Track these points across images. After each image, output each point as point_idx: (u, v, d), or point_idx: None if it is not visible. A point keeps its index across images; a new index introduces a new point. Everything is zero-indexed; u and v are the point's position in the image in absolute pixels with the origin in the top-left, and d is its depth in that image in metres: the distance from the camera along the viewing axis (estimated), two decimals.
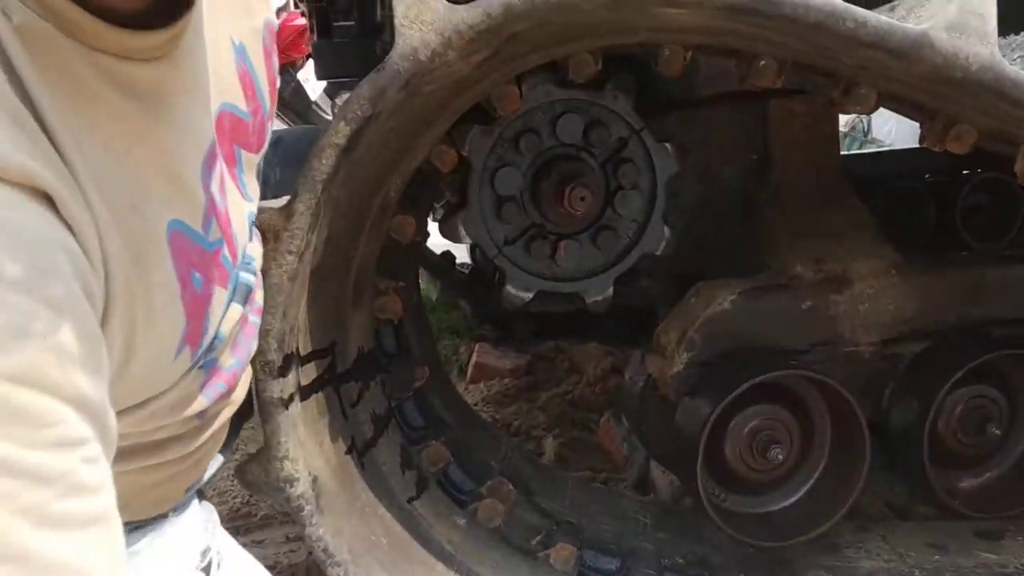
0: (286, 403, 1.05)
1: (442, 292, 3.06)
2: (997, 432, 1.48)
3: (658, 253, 1.40)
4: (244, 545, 1.09)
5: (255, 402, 1.02)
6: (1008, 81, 0.97)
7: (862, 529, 1.52)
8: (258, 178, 0.93)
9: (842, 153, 1.77)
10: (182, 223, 0.68)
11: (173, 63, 0.66)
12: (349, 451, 1.23)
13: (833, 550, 1.46)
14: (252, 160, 0.86)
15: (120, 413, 0.60)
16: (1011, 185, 2.01)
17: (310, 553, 1.57)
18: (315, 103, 3.88)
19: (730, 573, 1.40)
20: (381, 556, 1.18)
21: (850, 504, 1.39)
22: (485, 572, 1.28)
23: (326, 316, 1.19)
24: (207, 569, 0.94)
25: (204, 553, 0.95)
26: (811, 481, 1.44)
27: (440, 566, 1.25)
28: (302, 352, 1.11)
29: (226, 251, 0.76)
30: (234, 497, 1.94)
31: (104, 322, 0.58)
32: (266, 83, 0.87)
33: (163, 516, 0.89)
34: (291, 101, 3.68)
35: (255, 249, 0.93)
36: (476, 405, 2.29)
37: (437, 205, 1.50)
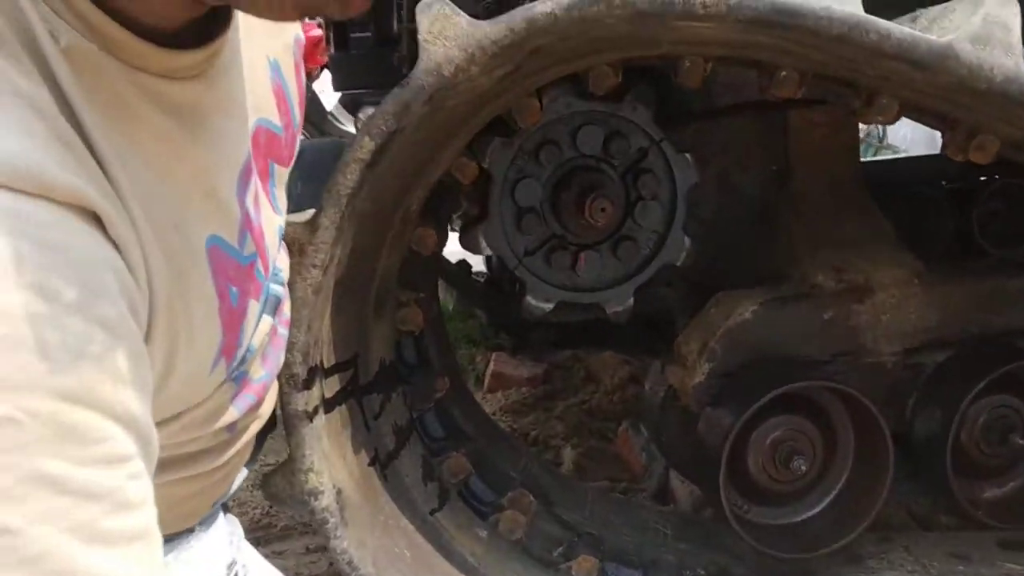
0: (311, 416, 1.06)
1: (458, 301, 3.06)
2: (1020, 442, 1.47)
3: (678, 263, 1.40)
4: (265, 556, 1.10)
5: (280, 415, 1.03)
6: None
7: (884, 540, 1.51)
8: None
9: None
10: (219, 238, 0.68)
11: (210, 81, 0.67)
12: (372, 463, 1.23)
13: (856, 561, 1.45)
14: (283, 174, 0.87)
15: (155, 426, 0.60)
16: None
17: (331, 564, 1.58)
18: (330, 113, 3.90)
19: None
20: (404, 568, 1.19)
21: (874, 515, 1.38)
22: None
23: (349, 328, 1.19)
24: None
25: (230, 566, 0.95)
26: (834, 492, 1.43)
27: None
28: (326, 364, 1.12)
29: (259, 264, 0.77)
30: (254, 508, 1.95)
31: (147, 339, 0.58)
32: (296, 97, 0.88)
33: (190, 530, 0.90)
34: (307, 111, 3.69)
35: (283, 261, 0.94)
36: (494, 415, 2.29)
37: (455, 216, 1.50)
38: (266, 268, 0.80)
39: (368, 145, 0.99)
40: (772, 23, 0.95)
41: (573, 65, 1.21)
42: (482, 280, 2.68)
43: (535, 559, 1.37)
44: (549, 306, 1.38)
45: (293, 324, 0.98)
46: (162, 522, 0.56)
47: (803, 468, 1.38)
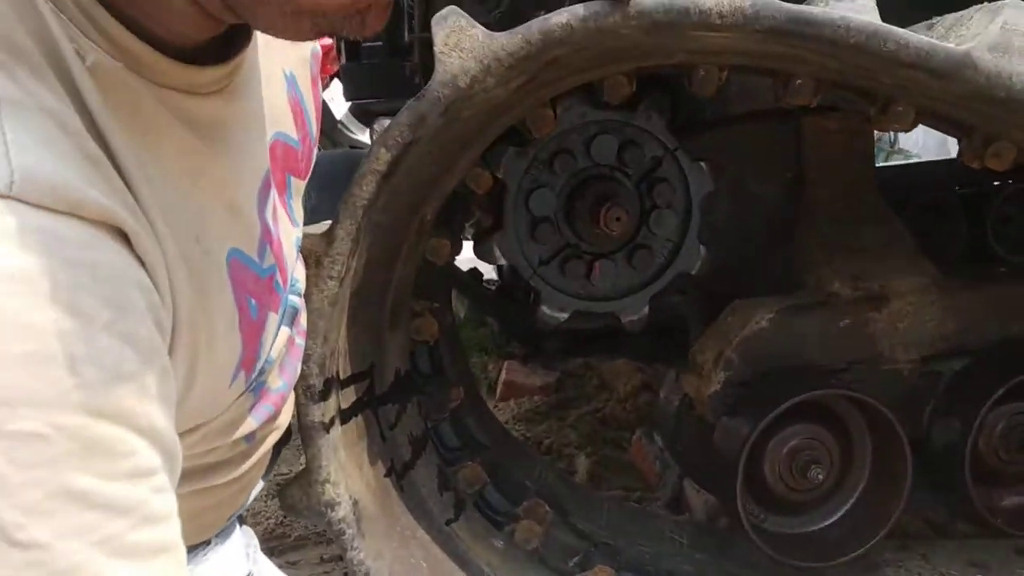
0: (327, 427, 1.06)
1: (470, 310, 3.06)
2: None
3: (694, 272, 1.40)
4: (279, 566, 1.10)
5: (297, 426, 1.03)
6: None
7: (902, 548, 1.50)
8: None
9: None
10: (240, 251, 0.69)
11: (231, 96, 0.68)
12: (388, 474, 1.23)
13: (873, 569, 1.44)
14: (300, 186, 0.88)
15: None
16: None
17: (345, 574, 1.58)
18: (340, 122, 3.91)
19: None
20: None
21: (891, 523, 1.37)
22: None
23: (365, 339, 1.19)
24: None
25: None
26: (852, 501, 1.42)
27: None
28: (342, 375, 1.12)
29: (278, 277, 0.77)
30: (268, 518, 1.94)
31: (170, 353, 0.59)
32: (313, 110, 0.89)
33: (207, 542, 0.90)
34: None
35: (300, 271, 0.94)
36: (507, 423, 2.29)
37: (467, 225, 1.50)
38: (284, 280, 0.81)
39: (384, 157, 0.99)
40: (789, 33, 0.95)
41: (588, 75, 1.21)
42: (494, 289, 2.68)
43: (551, 569, 1.37)
44: (564, 315, 1.38)
45: (309, 335, 0.98)
46: (183, 534, 0.57)
47: (820, 477, 1.37)
